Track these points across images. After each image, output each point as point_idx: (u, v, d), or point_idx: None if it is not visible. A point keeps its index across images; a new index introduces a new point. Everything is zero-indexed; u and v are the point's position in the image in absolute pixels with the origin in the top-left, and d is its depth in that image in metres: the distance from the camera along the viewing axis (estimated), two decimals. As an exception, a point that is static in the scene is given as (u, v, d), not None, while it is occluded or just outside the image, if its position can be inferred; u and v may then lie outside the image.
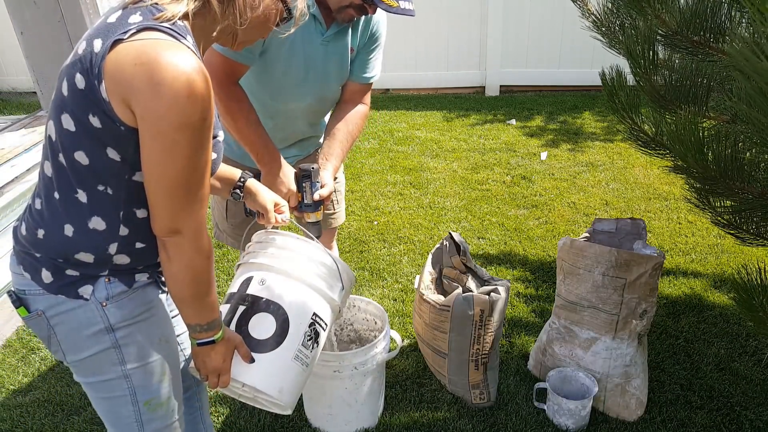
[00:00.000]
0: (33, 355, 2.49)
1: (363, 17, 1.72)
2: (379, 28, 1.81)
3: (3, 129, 4.03)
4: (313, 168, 1.69)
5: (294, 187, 1.71)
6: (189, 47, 1.03)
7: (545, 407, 2.08)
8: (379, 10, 1.67)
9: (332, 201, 2.05)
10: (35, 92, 4.03)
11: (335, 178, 1.82)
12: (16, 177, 3.25)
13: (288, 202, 1.72)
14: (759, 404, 2.10)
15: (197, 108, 1.00)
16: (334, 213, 2.11)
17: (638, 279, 1.96)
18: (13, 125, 4.10)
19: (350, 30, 1.73)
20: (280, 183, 1.70)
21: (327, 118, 1.94)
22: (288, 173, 1.71)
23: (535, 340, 2.33)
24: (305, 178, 1.69)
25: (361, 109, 1.89)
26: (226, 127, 1.70)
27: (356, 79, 1.84)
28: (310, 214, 1.75)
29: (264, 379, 1.31)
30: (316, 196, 1.71)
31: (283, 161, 1.72)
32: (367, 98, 1.92)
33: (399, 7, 1.55)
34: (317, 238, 1.80)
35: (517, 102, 5.54)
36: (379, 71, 1.88)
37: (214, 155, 1.19)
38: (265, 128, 1.70)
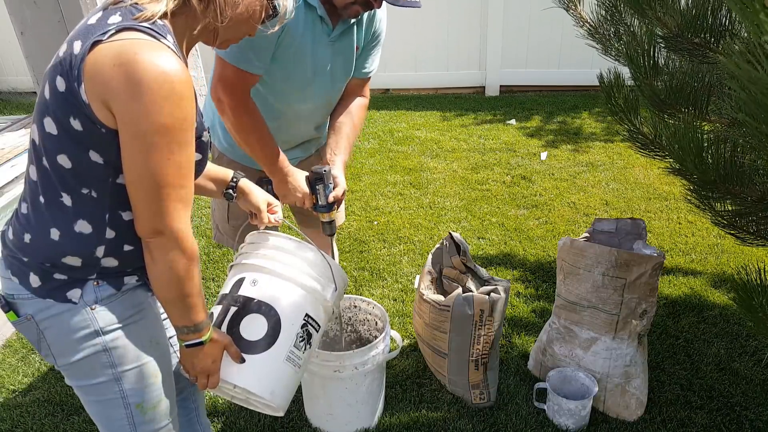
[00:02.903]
0: (33, 355, 2.49)
1: (366, 14, 1.72)
2: (381, 25, 1.81)
3: (3, 129, 4.02)
4: (325, 171, 1.69)
5: (306, 191, 1.72)
6: (169, 47, 1.02)
7: (545, 407, 2.08)
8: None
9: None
10: (35, 92, 4.03)
11: None
12: (16, 177, 3.25)
13: (303, 206, 1.73)
14: (759, 404, 2.10)
15: (177, 107, 0.99)
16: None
17: (638, 279, 1.96)
18: (13, 125, 4.09)
19: (355, 28, 1.73)
20: (293, 190, 1.72)
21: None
22: (299, 178, 1.72)
23: (535, 340, 2.33)
24: (318, 180, 1.70)
25: (362, 101, 1.90)
26: (236, 140, 1.70)
27: (358, 75, 1.85)
28: (325, 214, 1.76)
29: (255, 381, 1.30)
30: (331, 198, 1.72)
31: (293, 168, 1.72)
32: (367, 90, 1.93)
33: (405, 0, 1.54)
34: (331, 236, 1.81)
35: (516, 102, 5.54)
36: (377, 64, 1.89)
37: (198, 156, 1.18)
38: (270, 130, 1.70)
